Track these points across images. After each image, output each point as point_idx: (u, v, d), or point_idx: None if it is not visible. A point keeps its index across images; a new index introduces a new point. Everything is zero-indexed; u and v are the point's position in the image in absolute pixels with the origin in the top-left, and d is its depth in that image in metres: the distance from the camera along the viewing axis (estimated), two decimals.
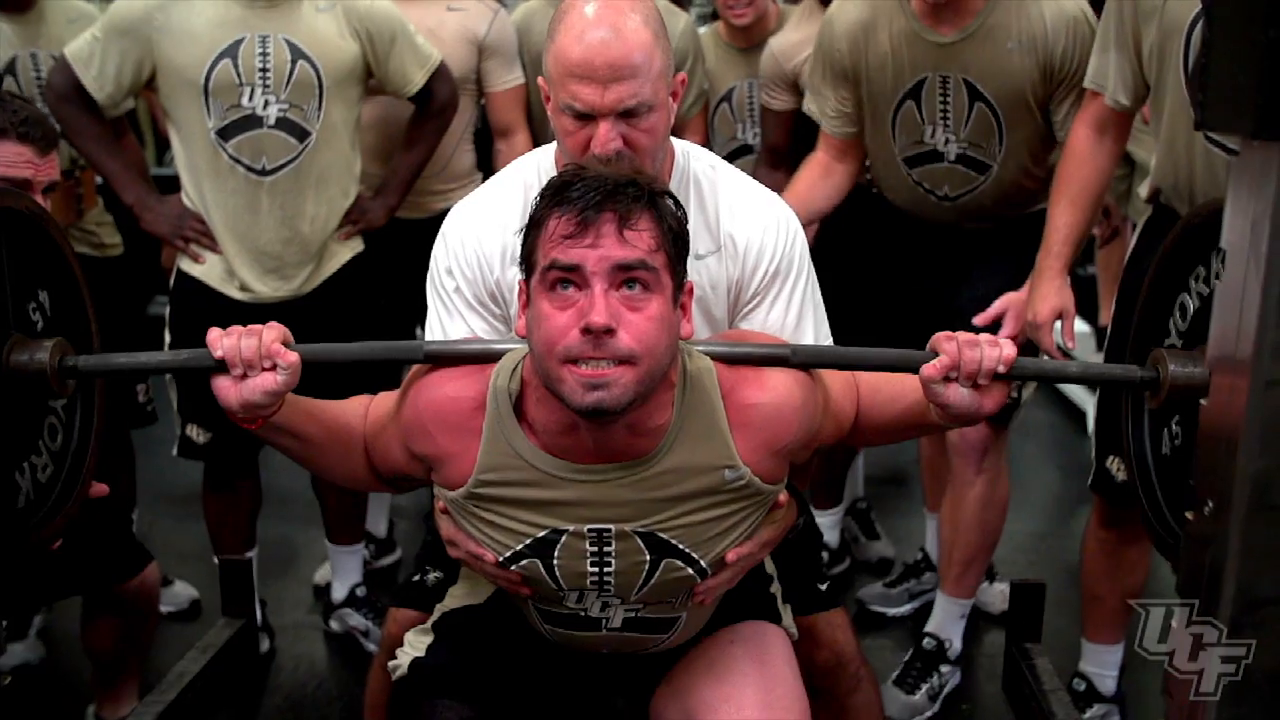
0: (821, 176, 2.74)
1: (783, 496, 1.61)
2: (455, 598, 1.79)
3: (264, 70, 2.54)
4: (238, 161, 2.56)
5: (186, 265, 2.67)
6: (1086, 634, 2.56)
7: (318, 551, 3.26)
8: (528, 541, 1.54)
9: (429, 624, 1.75)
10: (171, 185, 2.79)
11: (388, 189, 2.81)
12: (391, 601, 1.99)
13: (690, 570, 1.56)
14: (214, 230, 2.61)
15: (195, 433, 2.73)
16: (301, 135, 2.58)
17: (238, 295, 2.63)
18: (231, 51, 2.52)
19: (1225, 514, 1.07)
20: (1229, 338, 1.07)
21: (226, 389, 1.49)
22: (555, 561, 1.55)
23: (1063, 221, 2.31)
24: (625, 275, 1.39)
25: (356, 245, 2.75)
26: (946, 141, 2.55)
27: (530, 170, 1.82)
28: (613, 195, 1.40)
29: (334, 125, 2.62)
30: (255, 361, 1.47)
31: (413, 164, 2.82)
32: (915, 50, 2.50)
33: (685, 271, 1.49)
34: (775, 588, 1.83)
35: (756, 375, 1.54)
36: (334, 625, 3.04)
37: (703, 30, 3.40)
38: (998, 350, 1.46)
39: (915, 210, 2.69)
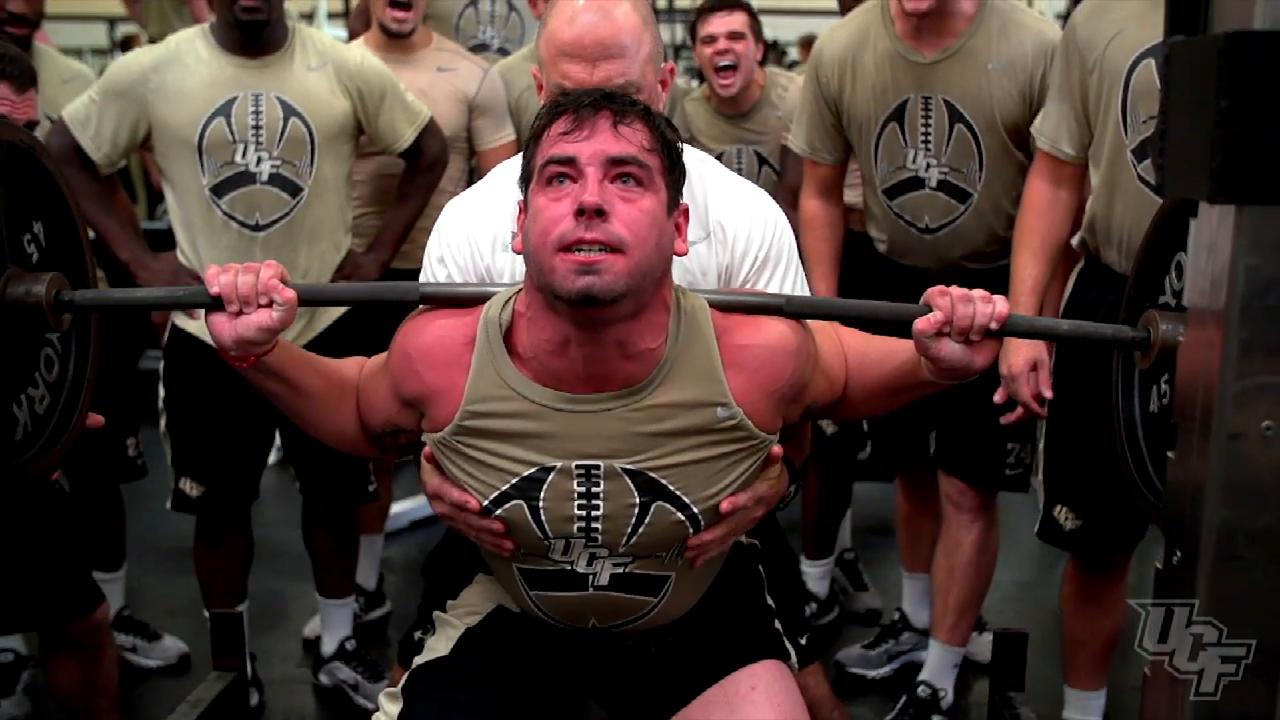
0: (828, 225, 2.79)
1: (777, 449, 1.59)
2: (427, 651, 1.75)
3: (257, 128, 2.59)
4: (231, 217, 2.60)
5: (181, 321, 2.70)
6: (1069, 680, 2.57)
7: (307, 605, 3.26)
8: (513, 481, 1.52)
9: (399, 687, 1.71)
10: (161, 239, 2.83)
11: (380, 244, 2.85)
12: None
13: (682, 516, 1.54)
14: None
15: (189, 486, 2.75)
16: (294, 191, 2.62)
17: None
18: (225, 110, 2.58)
19: (1192, 563, 1.11)
20: (1192, 392, 1.11)
21: (221, 325, 1.49)
22: (541, 504, 1.52)
23: (1027, 274, 2.34)
24: (619, 169, 1.44)
25: None
26: (928, 166, 2.58)
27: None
28: (608, 98, 1.48)
29: (326, 180, 2.66)
30: (251, 297, 1.47)
31: (404, 218, 2.86)
32: (898, 71, 2.55)
33: (680, 190, 1.53)
34: (778, 624, 1.81)
35: (750, 319, 1.55)
36: (324, 679, 3.04)
37: (695, 90, 3.46)
38: (990, 307, 1.47)
39: (898, 250, 2.71)
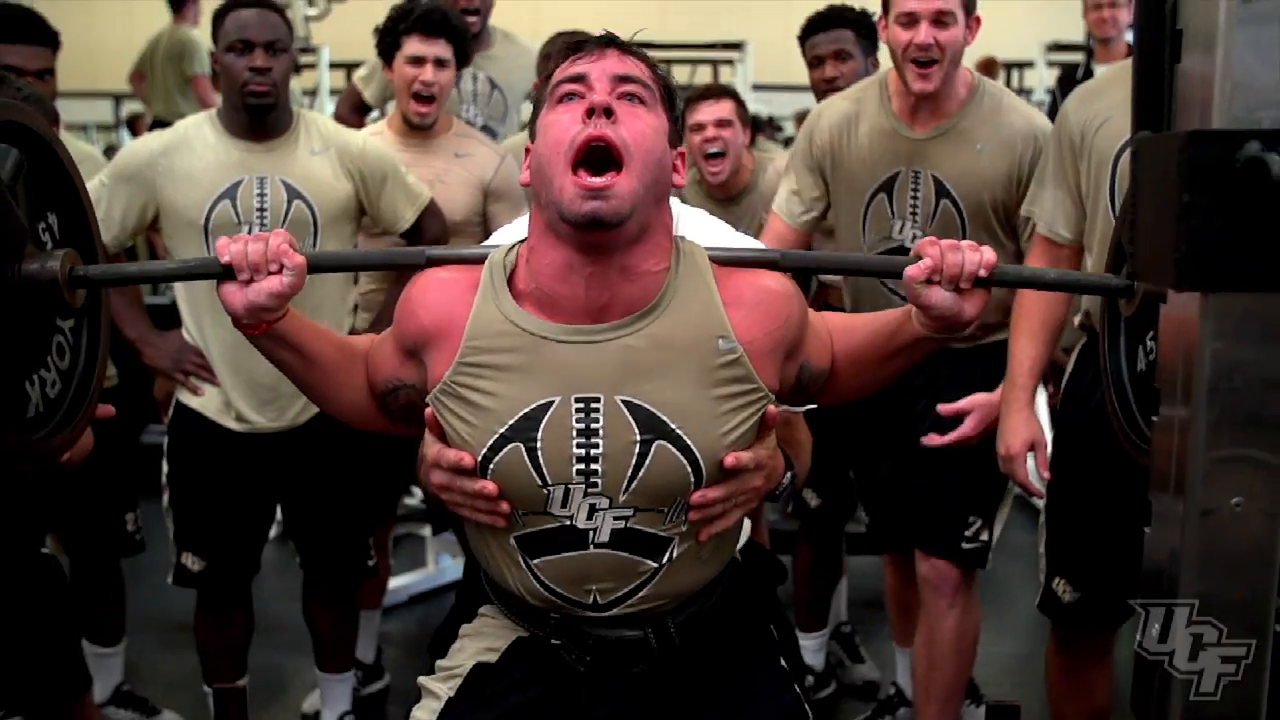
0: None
1: (772, 409, 1.58)
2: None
3: (261, 210, 2.65)
4: None
5: (185, 397, 2.75)
6: None
7: (307, 679, 3.27)
8: (511, 421, 1.51)
9: None
10: (165, 314, 2.87)
11: (383, 319, 2.89)
12: None
13: (684, 460, 1.52)
14: (212, 363, 2.70)
15: (191, 561, 2.77)
16: None
17: (235, 426, 2.70)
18: (231, 193, 2.64)
19: (1170, 633, 1.15)
20: (1165, 469, 1.15)
21: (232, 294, 1.52)
22: (539, 445, 1.50)
23: (1025, 355, 2.38)
24: (625, 86, 1.53)
25: None
26: (913, 238, 2.64)
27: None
28: (615, 37, 1.59)
29: None
30: (261, 265, 1.50)
31: None
32: (891, 145, 2.64)
33: (680, 131, 1.61)
34: (798, 689, 1.78)
35: (748, 269, 1.61)
36: None
37: (688, 173, 3.52)
38: (979, 255, 1.50)
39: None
